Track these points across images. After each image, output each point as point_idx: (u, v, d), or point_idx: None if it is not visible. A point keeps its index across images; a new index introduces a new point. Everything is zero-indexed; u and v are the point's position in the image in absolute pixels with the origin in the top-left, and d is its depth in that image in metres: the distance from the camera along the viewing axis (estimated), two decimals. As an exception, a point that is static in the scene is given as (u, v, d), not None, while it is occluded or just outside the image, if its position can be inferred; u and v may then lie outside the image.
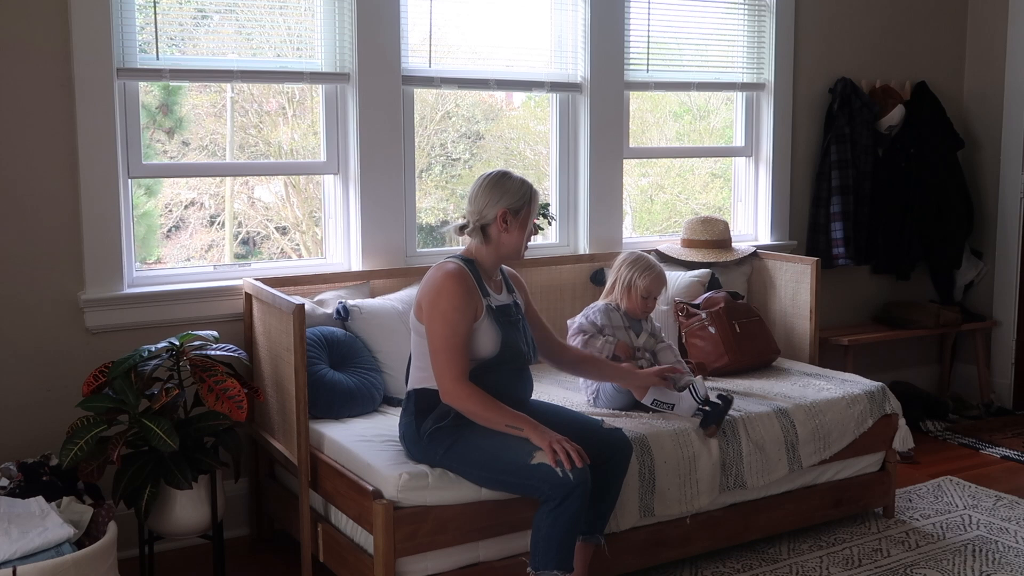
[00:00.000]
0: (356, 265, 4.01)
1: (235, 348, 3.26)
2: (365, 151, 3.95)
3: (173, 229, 4.12)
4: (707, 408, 3.44)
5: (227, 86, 3.98)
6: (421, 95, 4.28)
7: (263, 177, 4.22)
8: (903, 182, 5.29)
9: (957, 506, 4.08)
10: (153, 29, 3.59)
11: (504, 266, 3.23)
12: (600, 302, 3.77)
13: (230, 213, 4.19)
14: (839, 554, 3.63)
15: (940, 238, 5.41)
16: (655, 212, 5.22)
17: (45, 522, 2.77)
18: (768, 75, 4.96)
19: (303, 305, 3.14)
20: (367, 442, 3.18)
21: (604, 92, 4.48)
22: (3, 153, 3.38)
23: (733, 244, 4.68)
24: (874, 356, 5.33)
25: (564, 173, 4.53)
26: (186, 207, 4.13)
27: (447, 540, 2.97)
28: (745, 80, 4.95)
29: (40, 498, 2.87)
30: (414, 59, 4.10)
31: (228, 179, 4.14)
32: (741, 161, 5.09)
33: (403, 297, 3.85)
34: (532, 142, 4.75)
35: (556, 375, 4.00)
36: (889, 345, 5.41)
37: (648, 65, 4.66)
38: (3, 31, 3.34)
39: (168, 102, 3.90)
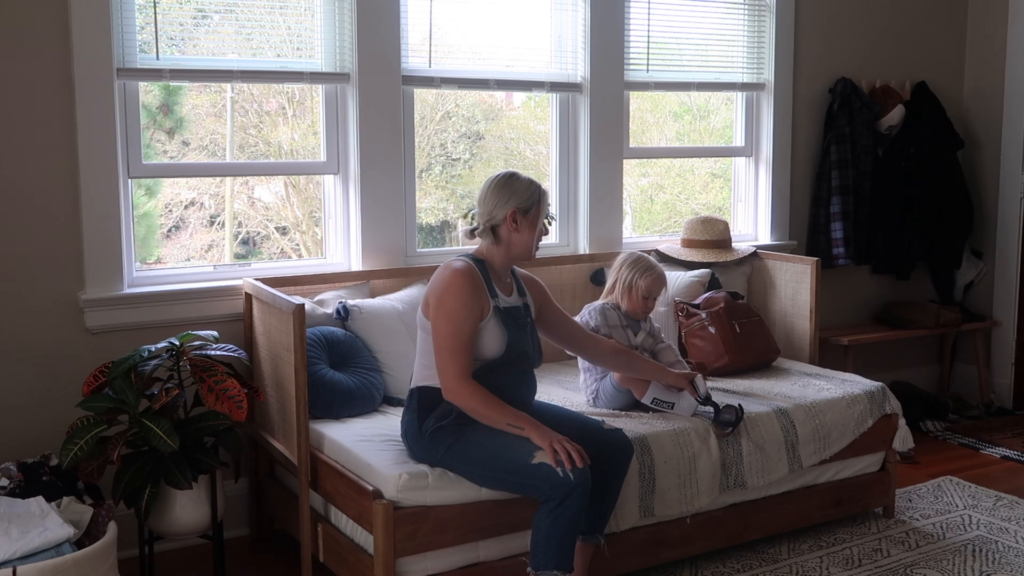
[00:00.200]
0: (356, 265, 4.01)
1: (235, 348, 3.26)
2: (365, 151, 3.95)
3: (173, 229, 4.12)
4: (709, 408, 3.45)
5: (227, 86, 3.98)
6: (421, 95, 4.28)
7: (263, 177, 4.22)
8: (903, 182, 5.29)
9: (957, 506, 4.08)
10: (153, 29, 3.59)
11: (519, 269, 3.24)
12: (598, 302, 3.77)
13: (230, 213, 4.19)
14: (839, 554, 3.63)
15: (940, 238, 5.41)
16: (655, 212, 5.22)
17: (45, 522, 2.77)
18: (768, 75, 4.97)
19: (303, 305, 3.14)
20: (367, 442, 3.18)
21: (604, 92, 4.48)
22: (3, 153, 3.38)
23: (733, 244, 4.68)
24: (874, 356, 5.33)
25: (564, 173, 4.54)
26: (186, 207, 4.13)
27: (447, 540, 2.97)
28: (745, 80, 4.95)
29: (40, 498, 2.87)
30: (414, 59, 4.10)
31: (228, 179, 4.14)
32: (741, 161, 5.09)
33: (403, 297, 3.85)
34: (532, 142, 4.75)
35: (556, 375, 4.01)
36: (889, 345, 5.41)
37: (648, 65, 4.66)
38: (3, 31, 3.34)
39: (168, 102, 3.90)
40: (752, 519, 3.59)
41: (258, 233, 4.29)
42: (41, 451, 3.27)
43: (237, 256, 4.18)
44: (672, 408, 3.49)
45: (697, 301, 4.26)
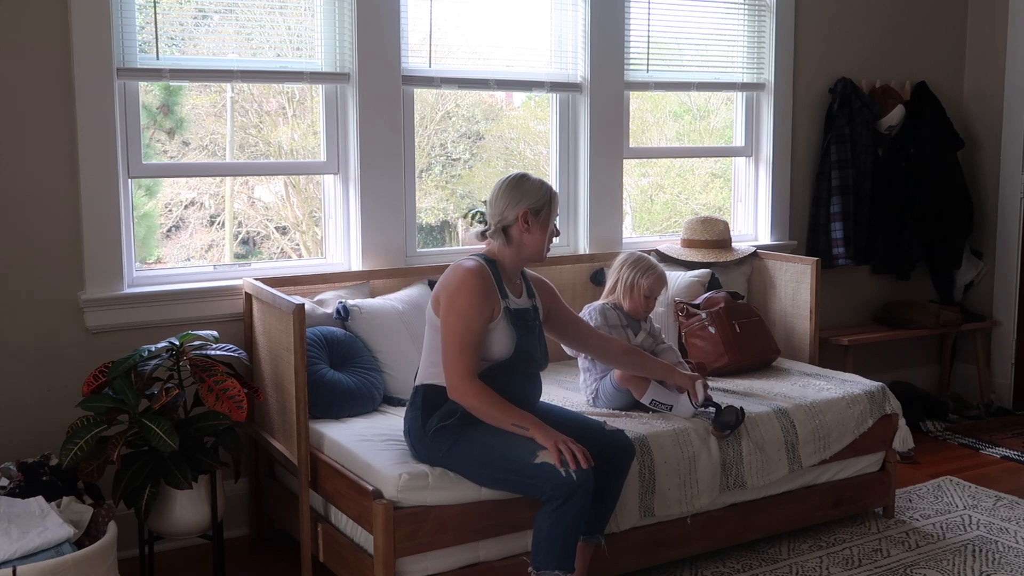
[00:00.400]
0: (356, 265, 4.01)
1: (235, 348, 3.26)
2: (365, 151, 3.95)
3: (173, 229, 4.12)
4: (711, 409, 3.45)
5: (227, 86, 3.98)
6: (421, 95, 4.28)
7: (263, 177, 4.23)
8: (903, 182, 5.28)
9: (957, 506, 4.08)
10: (153, 29, 3.59)
11: (528, 271, 3.24)
12: (597, 302, 3.77)
13: (230, 213, 4.19)
14: (839, 554, 3.63)
15: (940, 238, 5.41)
16: (655, 212, 5.22)
17: (45, 522, 2.77)
18: (768, 75, 4.97)
19: (303, 305, 3.14)
20: (367, 442, 3.18)
21: (604, 92, 4.48)
22: (3, 153, 3.38)
23: (733, 244, 4.68)
24: (874, 356, 5.33)
25: (564, 173, 4.53)
26: (186, 207, 4.13)
27: (447, 540, 2.97)
28: (745, 80, 4.95)
29: (40, 498, 2.87)
30: (414, 59, 4.10)
31: (228, 179, 4.14)
32: (741, 161, 5.09)
33: (403, 297, 3.85)
34: (532, 142, 4.75)
35: (556, 375, 4.01)
36: (889, 345, 5.41)
37: (648, 65, 4.66)
38: (3, 31, 3.34)
39: (168, 102, 3.90)
40: (752, 519, 3.59)
41: (258, 233, 4.29)
42: (41, 451, 3.27)
43: (237, 256, 4.18)
44: (671, 410, 3.50)
45: (697, 301, 4.26)
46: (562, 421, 3.09)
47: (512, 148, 4.72)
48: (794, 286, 4.43)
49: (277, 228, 4.32)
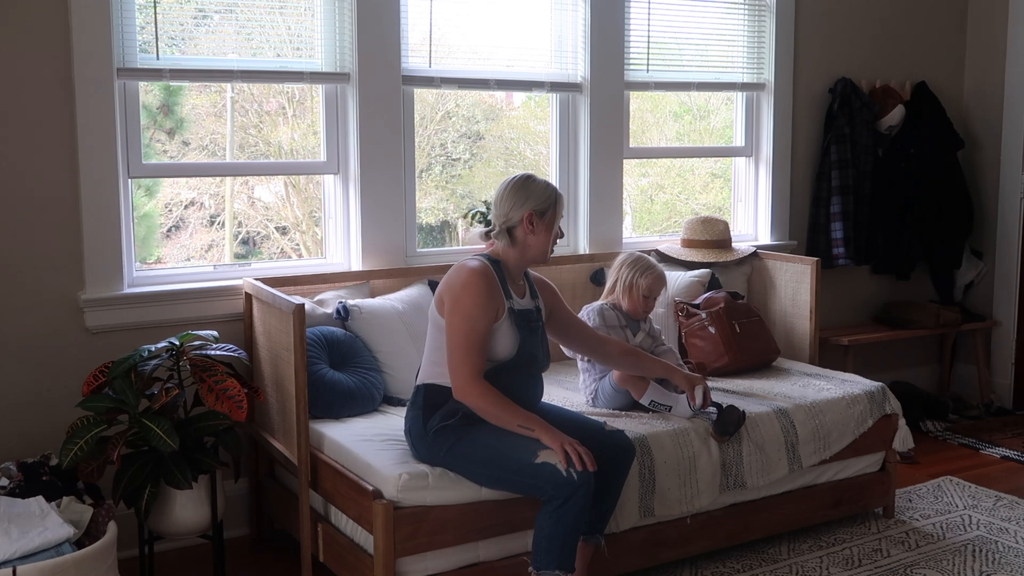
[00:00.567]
0: (356, 265, 4.01)
1: (235, 348, 3.26)
2: (365, 151, 3.95)
3: (173, 229, 4.12)
4: (711, 410, 3.45)
5: (227, 86, 3.98)
6: (421, 95, 4.28)
7: (263, 177, 4.23)
8: (903, 182, 5.28)
9: (957, 506, 4.08)
10: (153, 29, 3.59)
11: (531, 271, 3.24)
12: (596, 303, 3.77)
13: (230, 213, 4.19)
14: (839, 554, 3.63)
15: (940, 238, 5.41)
16: (655, 212, 5.22)
17: (45, 522, 2.77)
18: (768, 75, 4.97)
19: (303, 305, 3.14)
20: (367, 442, 3.18)
21: (604, 92, 4.48)
22: (3, 153, 3.38)
23: (733, 244, 4.68)
24: (874, 356, 5.33)
25: (564, 173, 4.53)
26: (186, 207, 4.13)
27: (447, 540, 2.97)
28: (745, 80, 4.95)
29: (40, 498, 2.87)
30: (414, 59, 4.10)
31: (228, 179, 4.14)
32: (741, 161, 5.09)
33: (403, 297, 3.85)
34: (532, 142, 4.75)
35: (556, 375, 4.01)
36: (889, 345, 5.41)
37: (648, 65, 4.66)
38: (3, 31, 3.34)
39: (168, 102, 3.90)
40: (752, 519, 3.59)
41: (258, 233, 4.29)
42: (41, 451, 3.27)
43: (237, 256, 4.18)
44: (669, 411, 3.50)
45: (697, 301, 4.26)
46: (563, 421, 3.09)
47: (512, 148, 4.72)
48: (794, 286, 4.43)
49: (277, 228, 4.32)
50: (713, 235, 4.60)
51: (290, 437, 3.25)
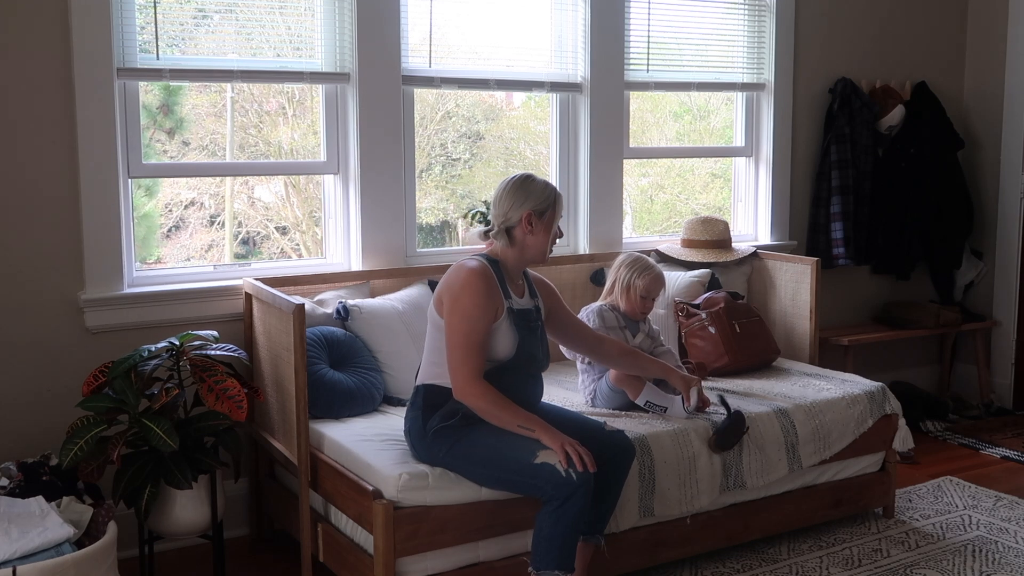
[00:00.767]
0: (356, 265, 4.01)
1: (235, 348, 3.26)
2: (365, 151, 3.95)
3: (173, 229, 4.12)
4: (713, 411, 3.46)
5: (227, 86, 3.98)
6: (421, 95, 4.28)
7: (263, 177, 4.23)
8: (903, 182, 5.28)
9: (957, 506, 4.08)
10: (153, 29, 3.59)
11: (530, 271, 3.24)
12: (595, 304, 3.77)
13: (230, 213, 4.19)
14: (839, 554, 3.63)
15: (940, 238, 5.41)
16: (655, 212, 5.22)
17: (45, 522, 2.77)
18: (768, 75, 4.97)
19: (303, 305, 3.14)
20: (367, 442, 3.18)
21: (604, 92, 4.48)
22: (3, 153, 3.38)
23: (733, 244, 4.68)
24: (874, 356, 5.33)
25: (564, 173, 4.53)
26: (186, 207, 4.13)
27: (447, 540, 2.97)
28: (745, 80, 4.95)
29: (40, 498, 2.87)
30: (414, 59, 4.10)
31: (228, 179, 4.14)
32: (741, 161, 5.09)
33: (403, 297, 3.85)
34: (532, 142, 4.75)
35: (556, 375, 4.01)
36: (889, 345, 5.41)
37: (648, 65, 4.66)
38: (3, 31, 3.34)
39: (168, 102, 3.90)
40: (752, 519, 3.59)
41: (258, 233, 4.29)
42: (41, 451, 3.27)
43: (237, 256, 4.18)
44: (665, 411, 3.50)
45: (697, 301, 4.26)
46: (562, 421, 3.09)
47: (512, 148, 4.72)
48: (794, 286, 4.43)
49: (277, 228, 4.32)
50: (713, 235, 4.60)
51: (290, 437, 3.25)
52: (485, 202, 4.31)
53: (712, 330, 4.09)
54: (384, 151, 3.99)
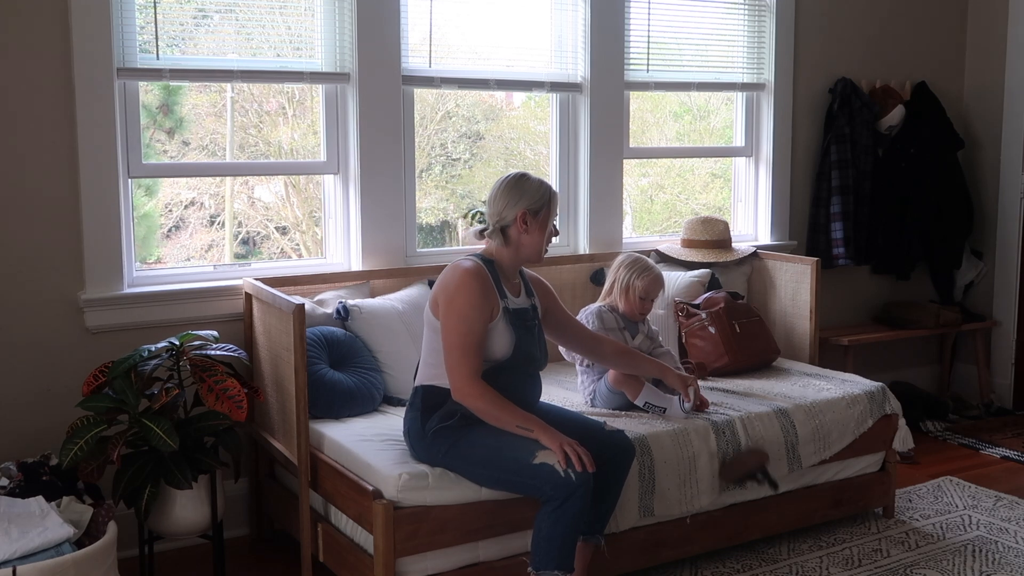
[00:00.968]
0: (356, 265, 4.01)
1: (235, 348, 3.26)
2: (365, 151, 3.95)
3: (173, 229, 4.12)
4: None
5: (227, 86, 3.98)
6: (421, 95, 4.28)
7: (263, 177, 4.23)
8: (903, 182, 5.28)
9: (957, 506, 4.08)
10: (153, 29, 3.59)
11: (526, 270, 3.23)
12: (594, 304, 3.77)
13: (230, 213, 4.19)
14: (839, 554, 3.63)
15: (940, 238, 5.41)
16: (655, 212, 5.22)
17: (45, 522, 2.77)
18: (768, 75, 4.97)
19: (303, 305, 3.14)
20: (367, 442, 3.18)
21: (604, 92, 4.48)
22: (3, 153, 3.38)
23: (733, 244, 4.68)
24: (874, 356, 5.33)
25: (564, 173, 4.53)
26: (186, 207, 4.13)
27: (447, 540, 2.97)
28: (745, 80, 4.95)
29: (40, 498, 2.87)
30: (414, 59, 4.10)
31: (228, 179, 4.14)
32: (741, 161, 5.09)
33: (403, 297, 3.85)
34: (532, 142, 4.75)
35: (556, 375, 4.01)
36: (889, 345, 5.41)
37: (648, 65, 4.66)
38: (3, 31, 3.34)
39: (168, 102, 3.90)
40: (752, 519, 3.59)
41: (258, 233, 4.29)
42: (41, 451, 3.27)
43: (237, 256, 4.18)
44: (664, 412, 3.50)
45: (697, 301, 4.26)
46: (562, 421, 3.09)
47: (512, 148, 4.72)
48: (794, 286, 4.43)
49: (277, 228, 4.32)
50: (713, 235, 4.60)
51: (290, 437, 3.25)
52: (484, 202, 4.29)
53: (712, 330, 4.09)
54: (384, 151, 3.99)
